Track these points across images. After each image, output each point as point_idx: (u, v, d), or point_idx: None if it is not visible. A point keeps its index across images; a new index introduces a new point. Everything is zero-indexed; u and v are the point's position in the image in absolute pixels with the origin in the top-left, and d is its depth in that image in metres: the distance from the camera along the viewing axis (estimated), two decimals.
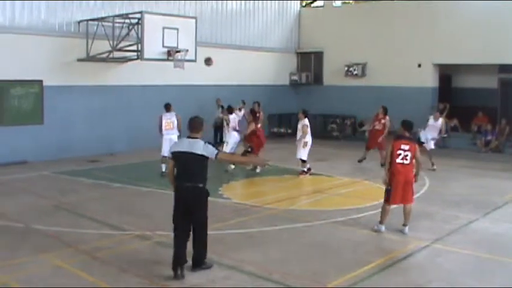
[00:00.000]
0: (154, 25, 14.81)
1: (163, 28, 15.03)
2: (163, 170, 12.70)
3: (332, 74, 22.67)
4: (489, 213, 10.09)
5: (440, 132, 14.99)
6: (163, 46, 15.07)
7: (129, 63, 16.48)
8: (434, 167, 14.40)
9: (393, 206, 8.74)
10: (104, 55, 15.51)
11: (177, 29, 15.36)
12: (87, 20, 15.84)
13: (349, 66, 21.84)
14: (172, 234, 6.73)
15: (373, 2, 22.20)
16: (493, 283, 6.74)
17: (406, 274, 6.99)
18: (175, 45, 15.29)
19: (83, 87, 16.17)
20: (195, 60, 16.05)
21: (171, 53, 15.25)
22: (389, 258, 7.50)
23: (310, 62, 23.59)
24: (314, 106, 21.82)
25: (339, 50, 22.28)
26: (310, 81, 23.28)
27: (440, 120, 15.00)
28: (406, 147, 8.46)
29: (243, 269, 6.93)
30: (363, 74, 21.69)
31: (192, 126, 6.79)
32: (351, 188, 12.49)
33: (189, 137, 6.80)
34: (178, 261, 6.52)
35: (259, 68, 21.69)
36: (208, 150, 6.57)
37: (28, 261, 7.15)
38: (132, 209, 10.10)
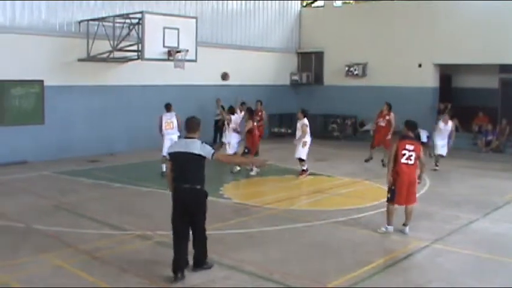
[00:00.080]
0: (154, 25, 14.81)
1: (164, 28, 15.03)
2: (164, 170, 12.68)
3: (332, 74, 22.67)
4: (489, 213, 10.09)
5: (450, 136, 14.69)
6: (163, 46, 15.07)
7: (130, 63, 16.48)
8: (437, 168, 14.43)
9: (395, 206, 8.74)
10: (105, 55, 15.51)
11: (178, 29, 15.35)
12: (88, 20, 15.84)
13: (349, 66, 21.84)
14: (171, 235, 6.73)
15: (374, 2, 22.20)
16: (493, 283, 6.74)
17: (406, 274, 6.99)
18: (175, 45, 15.29)
19: (84, 87, 16.18)
20: (195, 60, 16.05)
21: (171, 53, 15.25)
22: (390, 258, 7.51)
23: (310, 62, 23.59)
24: (314, 106, 21.83)
25: (339, 50, 22.28)
26: (310, 81, 23.28)
27: (450, 124, 14.74)
28: (411, 147, 8.46)
29: (243, 269, 6.93)
30: (364, 74, 21.69)
31: (188, 127, 6.80)
32: (352, 188, 12.48)
33: (186, 137, 6.81)
34: (178, 266, 6.50)
35: (259, 68, 21.69)
36: (205, 150, 6.56)
37: (28, 261, 7.15)
38: (132, 209, 10.10)
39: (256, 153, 14.84)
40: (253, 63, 21.36)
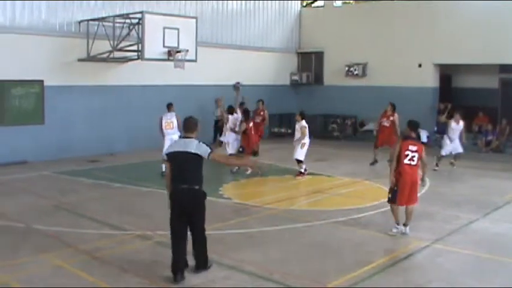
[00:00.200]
0: (154, 25, 14.81)
1: (164, 28, 15.02)
2: (164, 170, 12.66)
3: (332, 74, 22.66)
4: (489, 213, 10.09)
5: (461, 135, 14.68)
6: (163, 46, 15.07)
7: (130, 63, 16.48)
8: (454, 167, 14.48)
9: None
10: (105, 55, 15.51)
11: (178, 29, 15.35)
12: (88, 20, 15.84)
13: (349, 66, 21.84)
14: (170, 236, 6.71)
15: (374, 2, 22.19)
16: (493, 283, 6.74)
17: (406, 274, 6.99)
18: (175, 45, 15.29)
19: (84, 87, 16.17)
20: (195, 60, 16.05)
21: (171, 53, 15.25)
22: (390, 258, 7.51)
23: (310, 62, 23.59)
24: (314, 106, 21.87)
25: (339, 50, 22.28)
26: (310, 81, 23.27)
27: (462, 123, 14.70)
28: (414, 148, 8.45)
29: (243, 269, 6.93)
30: (364, 74, 21.68)
31: (186, 127, 6.80)
32: (352, 188, 12.48)
33: (183, 137, 6.82)
34: (178, 267, 6.49)
35: (259, 68, 21.69)
36: (202, 149, 6.55)
37: (28, 261, 7.15)
38: (132, 209, 10.11)
39: (257, 153, 14.87)
40: (253, 63, 21.36)
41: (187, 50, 15.53)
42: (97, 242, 8.02)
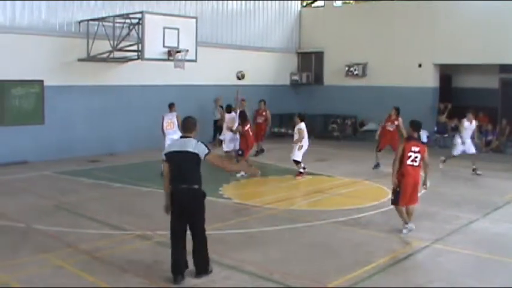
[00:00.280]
0: (154, 25, 14.80)
1: (164, 28, 15.02)
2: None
3: (332, 74, 22.66)
4: (489, 213, 10.09)
5: (473, 134, 14.62)
6: (163, 46, 15.06)
7: (130, 63, 16.48)
8: (479, 172, 14.08)
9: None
10: (105, 55, 15.51)
11: (178, 29, 15.34)
12: (88, 20, 15.84)
13: (349, 66, 21.84)
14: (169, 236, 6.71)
15: (374, 2, 22.19)
16: (493, 283, 6.74)
17: (406, 274, 6.99)
18: (175, 45, 15.28)
19: (84, 87, 16.17)
20: (195, 60, 16.04)
21: (171, 53, 15.24)
22: (390, 258, 7.50)
23: (310, 62, 23.59)
24: (314, 106, 21.89)
25: (339, 50, 22.28)
26: (310, 81, 23.27)
27: (474, 122, 14.65)
28: (417, 148, 8.45)
29: (244, 269, 6.93)
30: (364, 74, 21.68)
31: (184, 127, 6.81)
32: (352, 188, 12.48)
33: (182, 137, 6.82)
34: (178, 268, 6.48)
35: (259, 68, 21.65)
36: (200, 148, 6.54)
37: (29, 261, 7.15)
38: (132, 209, 10.11)
39: (262, 151, 14.79)
40: (253, 63, 21.31)
41: (187, 50, 15.52)
42: (97, 242, 8.02)
